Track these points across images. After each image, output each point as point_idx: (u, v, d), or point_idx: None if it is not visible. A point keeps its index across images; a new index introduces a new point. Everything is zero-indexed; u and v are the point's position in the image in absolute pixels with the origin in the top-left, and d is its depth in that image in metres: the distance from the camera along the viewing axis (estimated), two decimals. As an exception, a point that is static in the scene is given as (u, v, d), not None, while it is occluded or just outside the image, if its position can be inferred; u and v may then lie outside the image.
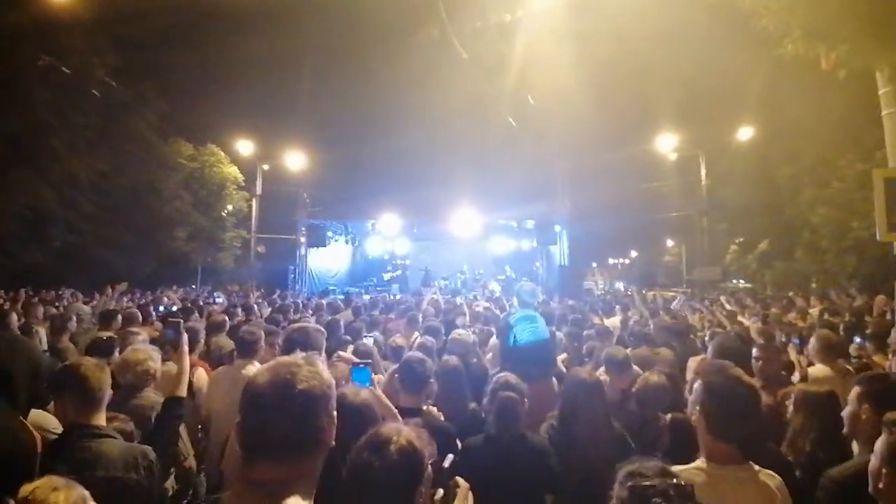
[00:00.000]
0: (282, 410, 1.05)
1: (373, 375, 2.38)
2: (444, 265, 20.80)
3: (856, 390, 2.04)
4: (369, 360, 2.50)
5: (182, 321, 2.60)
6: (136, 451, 1.91)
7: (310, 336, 2.48)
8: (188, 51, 20.46)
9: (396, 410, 2.33)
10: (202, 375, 3.50)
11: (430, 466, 1.35)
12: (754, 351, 3.30)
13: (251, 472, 1.05)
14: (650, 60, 18.56)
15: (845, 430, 2.02)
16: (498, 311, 7.35)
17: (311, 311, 7.70)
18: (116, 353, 3.19)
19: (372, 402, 2.01)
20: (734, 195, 21.86)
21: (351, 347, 4.16)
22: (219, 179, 22.96)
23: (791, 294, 13.04)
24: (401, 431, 1.37)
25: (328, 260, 21.44)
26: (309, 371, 1.12)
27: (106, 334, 3.57)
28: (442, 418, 2.76)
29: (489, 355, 4.57)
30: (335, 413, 1.15)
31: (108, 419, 2.05)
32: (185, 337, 2.47)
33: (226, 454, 2.83)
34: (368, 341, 4.05)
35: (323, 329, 2.60)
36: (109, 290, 7.38)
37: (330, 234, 20.43)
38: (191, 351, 3.79)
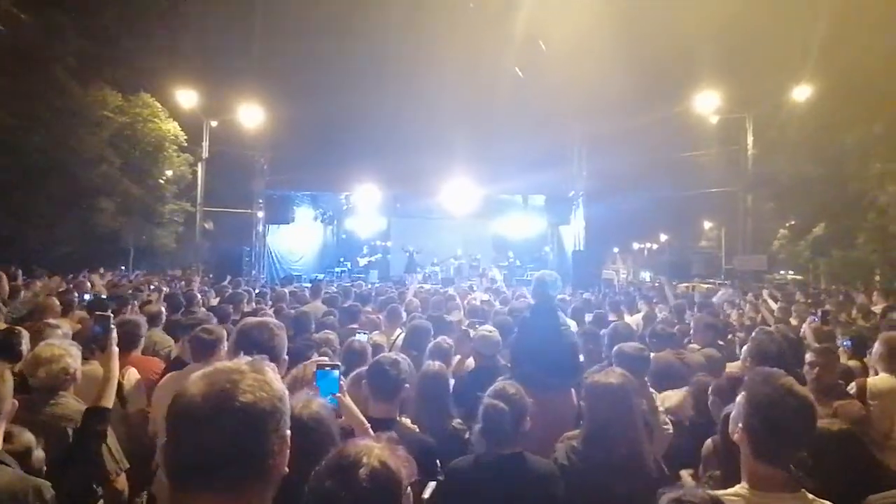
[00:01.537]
0: (218, 429, 1.02)
1: (341, 381, 2.36)
2: (433, 248, 20.83)
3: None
4: (337, 363, 2.48)
5: (112, 314, 2.55)
6: (29, 485, 1.79)
7: (274, 335, 2.43)
8: (115, -26, 19.95)
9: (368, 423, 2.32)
10: (133, 376, 3.47)
11: (409, 490, 1.31)
12: (808, 356, 3.34)
13: None
14: (687, 1, 18.44)
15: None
16: (499, 305, 7.37)
17: (269, 302, 7.67)
18: (25, 350, 3.13)
19: (324, 417, 1.95)
20: (786, 168, 22.04)
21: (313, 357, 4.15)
22: (154, 138, 22.56)
23: (849, 288, 13.24)
24: (372, 450, 1.32)
25: (292, 240, 21.38)
26: (254, 380, 1.09)
27: (8, 327, 3.50)
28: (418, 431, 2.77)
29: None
30: (288, 432, 1.12)
31: (6, 436, 1.96)
32: (115, 334, 2.42)
33: (156, 478, 2.82)
34: (360, 338, 4.03)
35: (280, 325, 2.55)
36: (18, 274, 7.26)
37: (294, 208, 20.32)
38: (132, 348, 3.78)
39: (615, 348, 3.51)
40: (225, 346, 3.17)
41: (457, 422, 3.04)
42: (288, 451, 1.12)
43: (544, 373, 3.44)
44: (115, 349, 2.41)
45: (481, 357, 3.85)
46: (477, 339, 4.00)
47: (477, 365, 3.90)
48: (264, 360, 1.17)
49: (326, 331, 4.49)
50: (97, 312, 2.53)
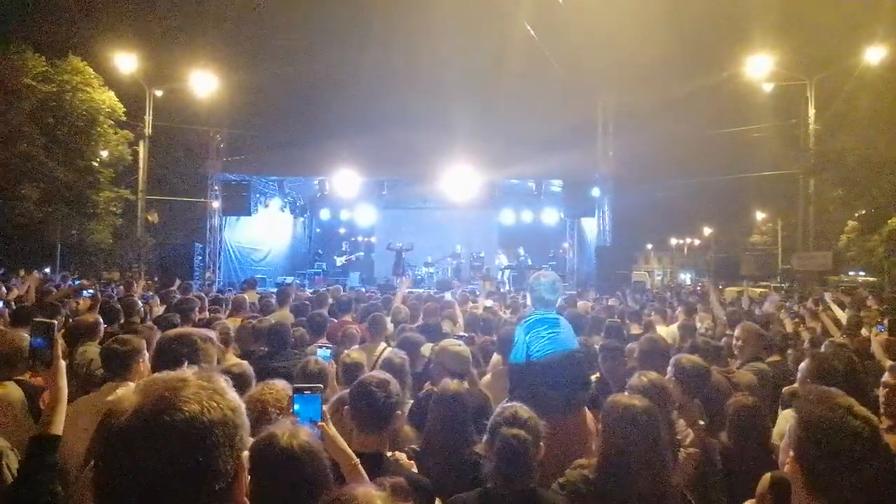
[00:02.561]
0: (155, 448, 1.02)
1: (324, 408, 2.39)
2: (426, 245, 20.90)
3: None
4: (320, 385, 2.51)
5: (54, 324, 2.56)
6: None
7: (197, 349, 2.42)
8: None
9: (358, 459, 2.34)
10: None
11: None
12: (886, 376, 3.36)
13: None
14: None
15: None
16: (507, 314, 7.39)
17: (226, 310, 7.70)
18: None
19: (316, 449, 2.01)
20: (855, 147, 22.11)
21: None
22: (86, 111, 22.53)
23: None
24: (370, 500, 1.34)
25: (255, 235, 21.47)
26: (199, 388, 1.10)
27: None
28: (415, 468, 2.78)
29: (487, 377, 4.60)
30: (246, 453, 1.14)
31: None
32: (60, 348, 2.43)
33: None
34: (322, 355, 4.07)
35: (206, 336, 2.55)
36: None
37: (257, 196, 20.37)
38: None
39: (673, 359, 3.54)
40: (146, 359, 3.19)
41: (478, 448, 3.09)
42: (245, 474, 1.13)
43: (549, 391, 3.48)
44: (63, 363, 2.42)
45: (444, 376, 3.85)
46: (441, 353, 3.99)
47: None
48: (216, 372, 1.19)
49: (318, 356, 4.56)
50: (36, 320, 2.54)
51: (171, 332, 2.59)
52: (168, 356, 2.34)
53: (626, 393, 3.15)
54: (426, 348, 4.79)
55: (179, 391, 1.08)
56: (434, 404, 3.22)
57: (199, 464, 1.04)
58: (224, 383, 1.15)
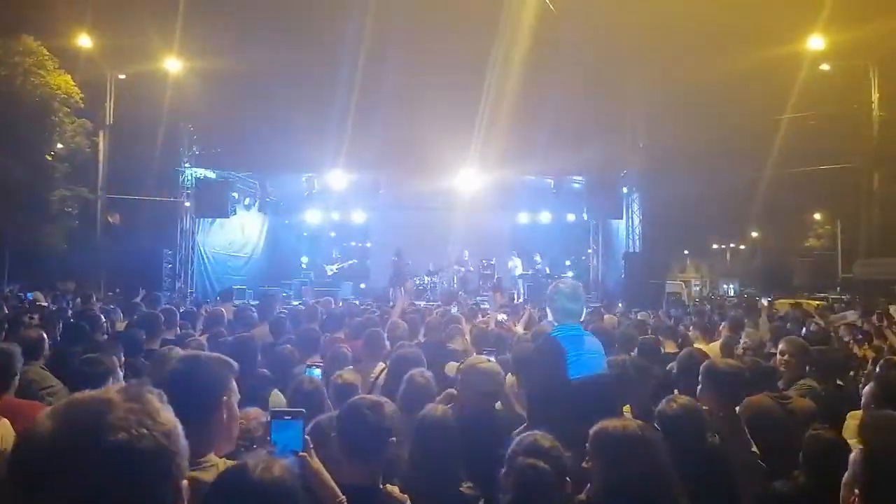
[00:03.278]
0: (74, 482, 1.00)
1: (306, 436, 2.39)
2: (429, 251, 20.90)
3: None
4: (302, 410, 2.50)
5: None
6: None
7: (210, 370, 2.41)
8: None
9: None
10: (5, 430, 3.49)
11: None
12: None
13: None
14: None
15: None
16: (521, 330, 7.38)
17: (200, 326, 7.72)
18: None
19: (292, 486, 1.98)
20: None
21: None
22: (39, 97, 22.65)
23: None
24: None
25: (233, 240, 21.59)
26: (128, 411, 1.08)
27: None
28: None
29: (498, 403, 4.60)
30: (185, 483, 1.12)
31: None
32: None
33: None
34: (311, 374, 4.11)
35: (227, 359, 2.54)
36: None
37: (235, 195, 20.44)
38: (3, 390, 3.75)
39: (704, 365, 3.54)
40: (120, 380, 3.19)
41: (466, 486, 3.07)
42: None
43: (574, 420, 3.46)
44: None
45: (475, 398, 3.87)
46: (469, 372, 3.98)
47: (468, 409, 3.90)
48: (145, 385, 1.16)
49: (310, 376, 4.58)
50: None
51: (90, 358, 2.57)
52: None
53: (654, 424, 3.14)
54: (451, 367, 4.87)
55: (103, 416, 1.06)
56: (416, 433, 3.19)
57: (127, 500, 1.03)
58: (157, 401, 1.14)
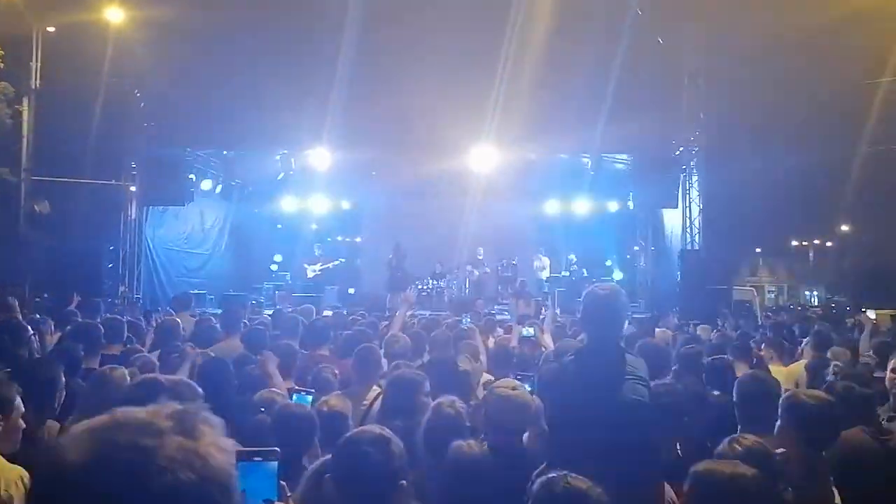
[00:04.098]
0: None
1: (282, 482, 2.41)
2: (434, 248, 20.89)
3: None
4: (276, 449, 2.50)
5: None
6: None
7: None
8: None
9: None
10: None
11: None
12: None
13: None
14: None
15: None
16: (551, 344, 7.35)
17: (150, 340, 7.79)
18: None
19: None
20: None
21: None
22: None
23: None
24: None
25: (190, 233, 21.65)
26: (179, 448, 1.08)
27: None
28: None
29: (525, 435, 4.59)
30: None
31: None
32: None
33: None
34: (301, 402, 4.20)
35: (191, 383, 2.53)
36: None
37: (193, 178, 20.46)
38: None
39: (786, 395, 3.51)
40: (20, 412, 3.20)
41: None
42: None
43: (603, 459, 3.45)
44: None
45: (496, 432, 3.88)
46: (493, 400, 4.01)
47: (490, 446, 3.89)
48: (203, 409, 1.17)
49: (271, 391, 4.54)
50: None
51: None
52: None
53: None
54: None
55: (153, 453, 1.06)
56: (448, 477, 3.19)
57: None
58: (216, 434, 1.15)
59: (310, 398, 4.32)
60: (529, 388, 4.41)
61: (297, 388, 4.55)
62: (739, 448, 3.24)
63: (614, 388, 3.84)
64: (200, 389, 2.69)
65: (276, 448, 2.52)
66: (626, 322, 4.33)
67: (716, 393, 5.41)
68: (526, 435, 4.09)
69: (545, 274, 21.18)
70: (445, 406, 3.93)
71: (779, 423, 3.72)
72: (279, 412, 3.98)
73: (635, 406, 3.83)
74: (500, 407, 3.90)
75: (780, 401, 3.78)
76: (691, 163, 19.56)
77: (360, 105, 17.81)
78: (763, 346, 8.45)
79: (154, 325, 9.27)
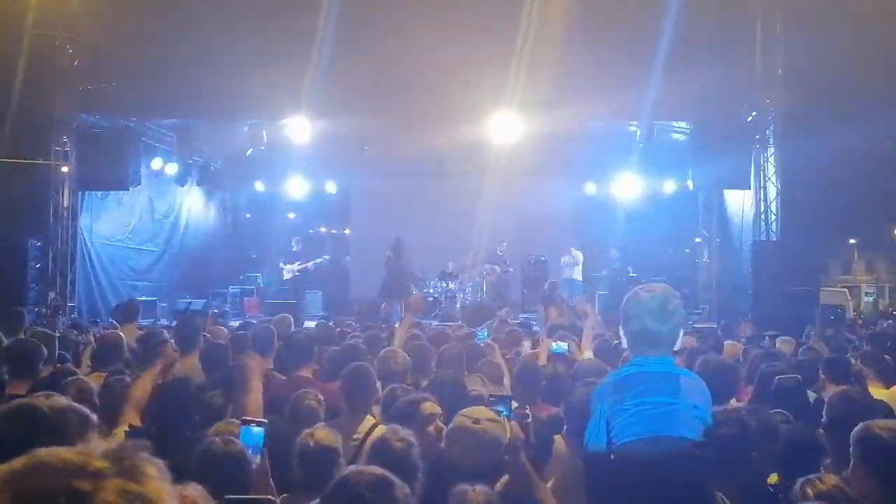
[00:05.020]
0: None
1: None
2: (443, 243, 20.90)
3: None
4: (272, 499, 2.55)
5: None
6: None
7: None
8: None
9: None
10: None
11: None
12: None
13: None
14: None
15: None
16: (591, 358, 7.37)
17: (88, 360, 7.83)
18: None
19: None
20: None
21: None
22: None
23: None
24: None
25: (137, 225, 21.70)
26: (120, 493, 1.10)
27: None
28: None
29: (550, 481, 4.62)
30: None
31: None
32: None
33: None
34: (248, 438, 4.14)
35: (79, 408, 2.56)
36: None
37: (142, 156, 20.43)
38: None
39: (859, 429, 3.56)
40: None
41: None
42: None
43: None
44: None
45: (468, 478, 3.87)
46: (456, 435, 4.12)
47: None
48: (143, 448, 1.20)
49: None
50: None
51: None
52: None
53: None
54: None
55: (90, 499, 1.08)
56: None
57: None
58: (161, 477, 1.17)
59: (262, 433, 4.21)
60: (505, 414, 4.36)
61: (244, 419, 4.48)
62: (815, 491, 3.25)
63: (661, 423, 3.84)
64: (95, 418, 2.70)
65: (274, 498, 2.55)
66: (682, 333, 4.29)
67: (786, 420, 5.38)
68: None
69: (577, 273, 21.00)
70: (393, 440, 3.94)
71: (852, 462, 3.73)
72: (202, 452, 3.95)
73: (686, 447, 3.82)
74: (465, 440, 3.94)
75: (853, 433, 3.77)
76: (767, 132, 19.47)
77: (348, 62, 17.83)
78: (859, 361, 8.41)
79: (92, 340, 9.29)
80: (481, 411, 4.23)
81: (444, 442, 4.15)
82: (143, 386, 5.73)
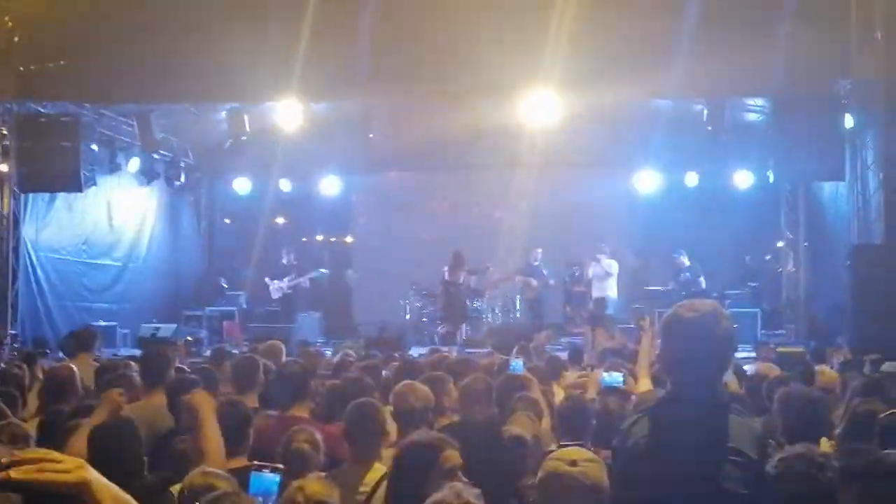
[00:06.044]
0: None
1: None
2: (466, 250, 20.88)
3: None
4: None
5: None
6: None
7: None
8: None
9: None
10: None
11: None
12: None
13: None
14: None
15: None
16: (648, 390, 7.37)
17: (35, 398, 7.93)
18: None
19: None
20: None
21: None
22: None
23: None
24: None
25: (92, 235, 21.82)
26: None
27: None
28: None
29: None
30: None
31: None
32: None
33: None
34: (260, 486, 4.19)
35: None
36: None
37: (96, 149, 20.53)
38: None
39: None
40: None
41: None
42: None
43: None
44: None
45: None
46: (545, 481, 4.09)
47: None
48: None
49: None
50: None
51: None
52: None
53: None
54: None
55: None
56: None
57: None
58: None
59: (277, 480, 4.21)
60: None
61: (256, 464, 4.44)
62: None
63: (701, 471, 3.84)
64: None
65: None
66: (731, 361, 4.26)
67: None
68: None
69: (612, 288, 20.45)
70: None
71: None
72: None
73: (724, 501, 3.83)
74: (556, 494, 3.93)
75: None
76: (865, 112, 19.39)
77: (349, 29, 17.91)
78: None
79: (39, 374, 9.32)
80: (577, 452, 4.22)
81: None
82: (83, 435, 5.57)
